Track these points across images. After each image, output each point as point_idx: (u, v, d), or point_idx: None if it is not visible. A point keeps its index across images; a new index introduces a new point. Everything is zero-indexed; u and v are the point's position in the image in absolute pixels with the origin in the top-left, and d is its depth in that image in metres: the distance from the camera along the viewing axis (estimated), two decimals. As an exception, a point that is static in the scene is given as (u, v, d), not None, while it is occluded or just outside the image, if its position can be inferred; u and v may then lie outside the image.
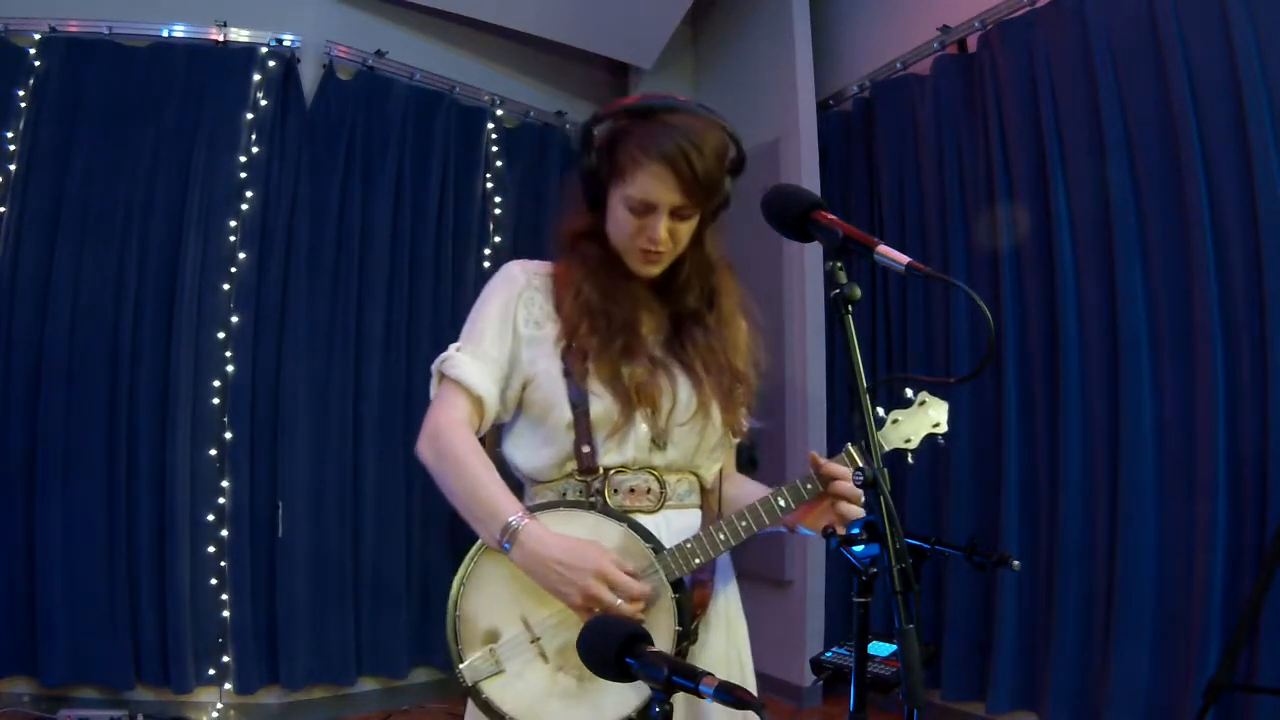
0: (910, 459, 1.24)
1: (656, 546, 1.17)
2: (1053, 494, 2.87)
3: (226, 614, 3.18)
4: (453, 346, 1.27)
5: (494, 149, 4.01)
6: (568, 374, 1.21)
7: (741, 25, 4.25)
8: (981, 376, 3.09)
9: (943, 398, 1.33)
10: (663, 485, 1.25)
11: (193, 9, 3.39)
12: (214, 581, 3.18)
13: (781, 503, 1.19)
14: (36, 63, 3.21)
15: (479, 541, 1.19)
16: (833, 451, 1.24)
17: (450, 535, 3.59)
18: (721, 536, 1.18)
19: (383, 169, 3.62)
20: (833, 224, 1.02)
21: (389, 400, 3.56)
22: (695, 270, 1.30)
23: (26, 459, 3.06)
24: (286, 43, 3.47)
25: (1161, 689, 2.52)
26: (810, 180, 3.73)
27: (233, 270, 3.31)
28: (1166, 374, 2.62)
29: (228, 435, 3.25)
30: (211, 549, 3.19)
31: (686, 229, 1.25)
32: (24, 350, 3.09)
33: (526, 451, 1.26)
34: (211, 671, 3.16)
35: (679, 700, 1.07)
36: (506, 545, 1.13)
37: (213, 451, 3.23)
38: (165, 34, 3.34)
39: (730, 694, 0.80)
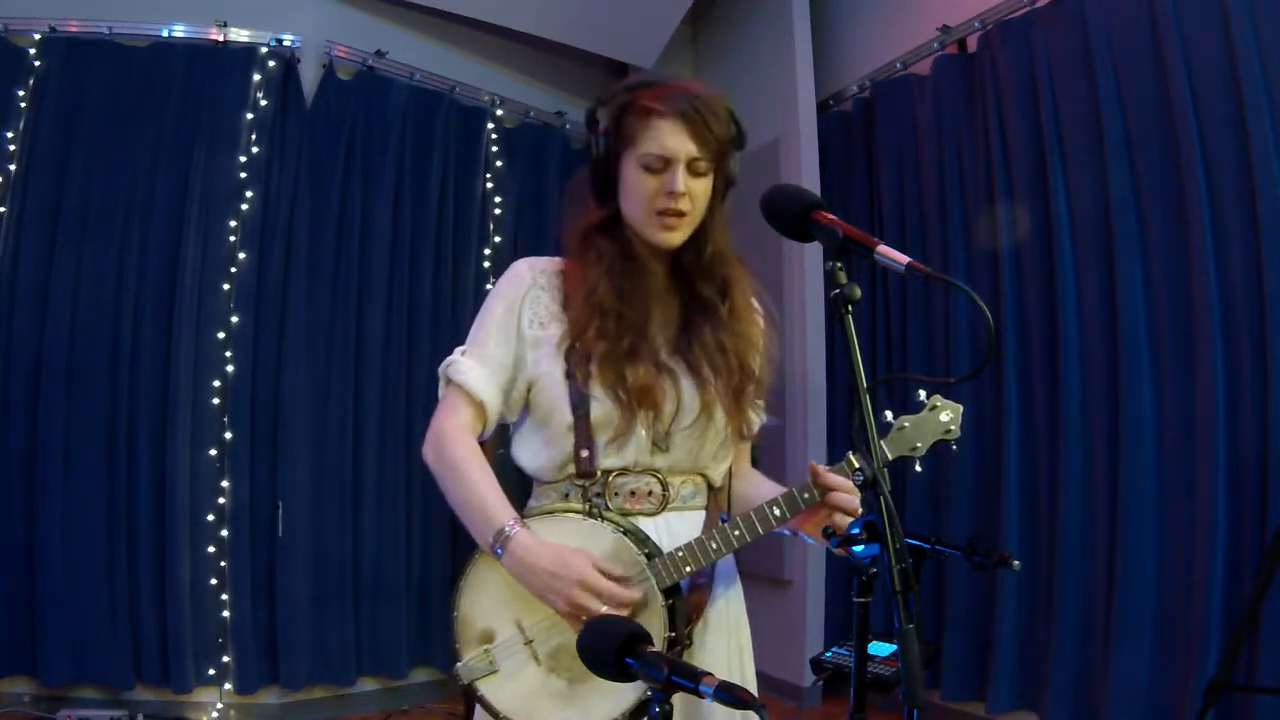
0: (918, 466, 1.22)
1: (651, 552, 1.17)
2: (1053, 494, 2.87)
3: (226, 614, 3.18)
4: (458, 350, 1.28)
5: (494, 149, 4.01)
6: (570, 376, 1.21)
7: (741, 25, 4.25)
8: (981, 376, 3.09)
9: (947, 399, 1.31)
10: (665, 487, 1.24)
11: (193, 9, 3.39)
12: (214, 581, 3.18)
13: (776, 512, 1.19)
14: (36, 63, 3.21)
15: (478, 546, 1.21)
16: (835, 455, 1.24)
17: (450, 535, 3.59)
18: (714, 545, 1.18)
19: (383, 169, 3.62)
20: (833, 224, 1.02)
21: (389, 400, 3.56)
22: (714, 252, 1.27)
23: (26, 459, 3.06)
24: (286, 43, 3.47)
25: (1161, 689, 2.52)
26: (810, 180, 3.73)
27: (233, 270, 3.31)
28: (1166, 374, 2.62)
29: (228, 435, 3.25)
30: (211, 549, 3.19)
31: (703, 189, 1.22)
32: (24, 350, 3.09)
33: (530, 452, 1.27)
34: (211, 671, 3.16)
35: (679, 700, 1.08)
36: (499, 551, 1.16)
37: (213, 451, 3.23)
38: (165, 34, 3.34)
39: (730, 694, 0.80)
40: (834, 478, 1.18)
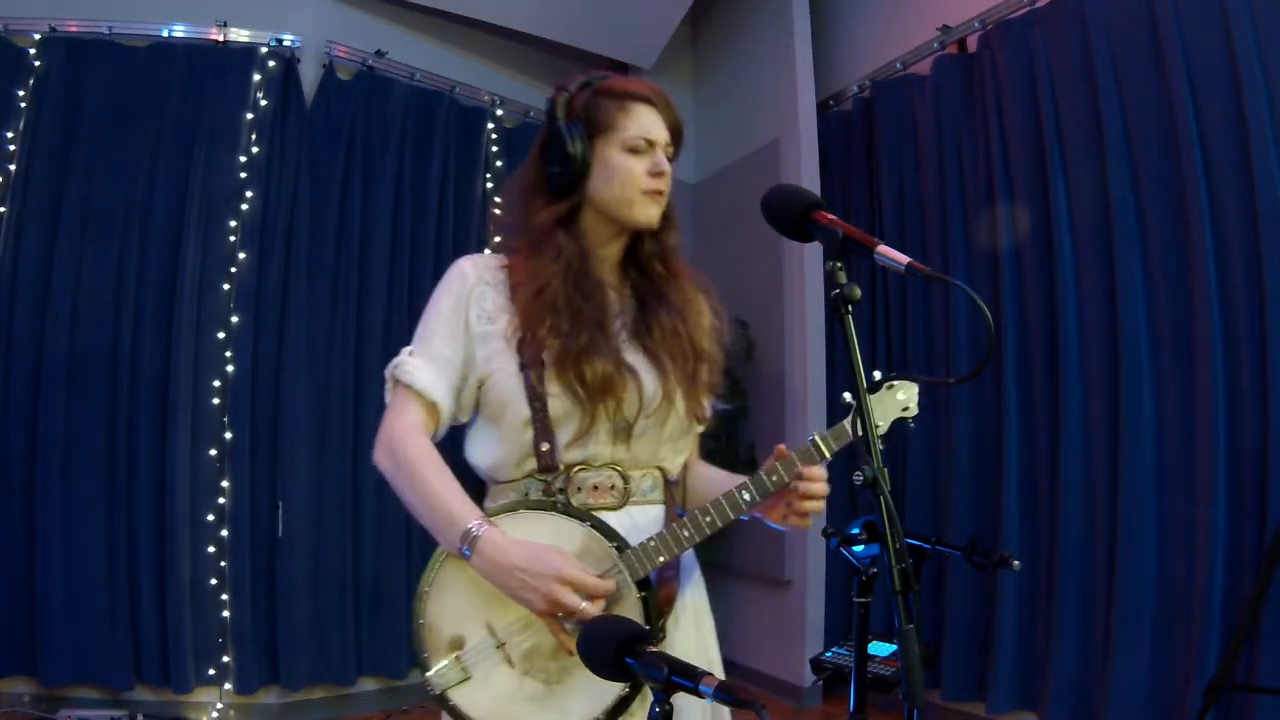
0: (880, 443, 1.21)
1: (620, 545, 1.15)
2: (1053, 494, 2.87)
3: (226, 614, 3.18)
4: (405, 350, 1.24)
5: (494, 149, 4.01)
6: (524, 368, 1.19)
7: (741, 25, 4.26)
8: (981, 376, 3.09)
9: (943, 397, 1.31)
10: (626, 481, 1.23)
11: (193, 9, 3.39)
12: (214, 581, 3.18)
13: (747, 496, 1.17)
14: (36, 63, 3.22)
15: (440, 548, 1.17)
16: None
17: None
18: (686, 533, 1.16)
19: (383, 169, 3.62)
20: (833, 224, 1.01)
21: (389, 400, 3.55)
22: (671, 241, 1.32)
23: (26, 459, 3.06)
24: (286, 43, 3.47)
25: (1161, 689, 2.52)
26: (810, 180, 3.74)
27: (233, 270, 3.31)
28: (1166, 374, 2.62)
29: (228, 435, 3.25)
30: (211, 549, 3.19)
31: (669, 174, 1.27)
32: (24, 350, 3.09)
33: (485, 450, 1.25)
34: (211, 671, 3.16)
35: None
36: (467, 552, 1.12)
37: (213, 451, 3.23)
38: (165, 34, 3.34)
39: (731, 694, 0.80)
40: (811, 468, 1.18)
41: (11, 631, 3.00)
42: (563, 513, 1.17)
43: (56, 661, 2.99)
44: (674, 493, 1.31)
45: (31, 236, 3.14)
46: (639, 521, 1.22)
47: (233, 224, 3.32)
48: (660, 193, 1.25)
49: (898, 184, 3.58)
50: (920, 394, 1.31)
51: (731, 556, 3.90)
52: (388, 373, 1.24)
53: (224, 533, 3.21)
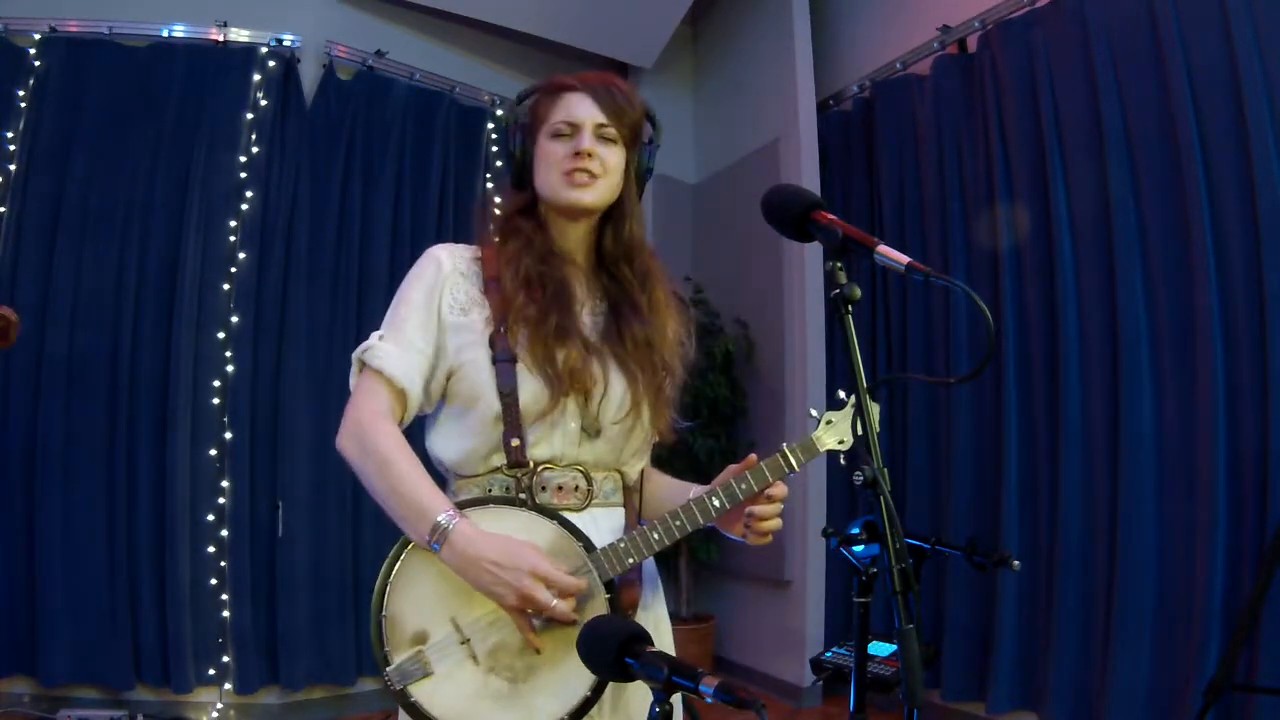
0: (842, 460, 1.21)
1: (588, 545, 1.14)
2: (1053, 494, 2.87)
3: (226, 614, 3.18)
4: (374, 334, 1.22)
5: (494, 149, 4.01)
6: (496, 362, 1.18)
7: (741, 25, 4.25)
8: (981, 376, 3.09)
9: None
10: (590, 482, 1.22)
11: (193, 9, 3.40)
12: (214, 581, 3.18)
13: (716, 503, 1.17)
14: (36, 63, 3.22)
15: (403, 538, 1.15)
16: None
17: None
18: (655, 536, 1.15)
19: (383, 169, 3.62)
20: (833, 224, 1.01)
21: (389, 400, 3.55)
22: (631, 235, 1.30)
23: (26, 459, 3.06)
24: (286, 43, 3.47)
25: (1161, 689, 2.52)
26: (810, 180, 3.74)
27: (233, 270, 3.31)
28: (1166, 374, 2.62)
29: (228, 435, 3.25)
30: (211, 549, 3.19)
31: (615, 158, 1.25)
32: (24, 350, 3.09)
33: (451, 444, 1.22)
34: (211, 671, 3.16)
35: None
36: (436, 545, 1.09)
37: (213, 451, 3.23)
38: (165, 34, 3.34)
39: (731, 694, 0.80)
40: (780, 488, 1.19)
41: (11, 631, 3.00)
42: (532, 510, 1.16)
43: (56, 661, 2.99)
44: (632, 498, 1.31)
45: (31, 236, 3.14)
46: (601, 524, 1.22)
47: (233, 224, 3.32)
48: (585, 171, 1.22)
49: (898, 184, 3.58)
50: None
51: (731, 556, 3.90)
52: (355, 356, 1.22)
53: (224, 533, 3.21)
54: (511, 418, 1.17)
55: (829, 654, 2.27)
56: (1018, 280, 3.06)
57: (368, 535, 3.48)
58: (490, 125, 3.99)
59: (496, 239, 1.30)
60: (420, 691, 1.09)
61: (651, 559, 1.22)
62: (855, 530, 1.13)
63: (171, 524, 3.13)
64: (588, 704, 1.10)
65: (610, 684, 1.12)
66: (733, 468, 1.19)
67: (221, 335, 3.27)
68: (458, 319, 1.22)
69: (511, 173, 1.32)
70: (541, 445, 1.19)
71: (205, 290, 3.27)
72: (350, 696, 3.45)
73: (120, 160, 3.22)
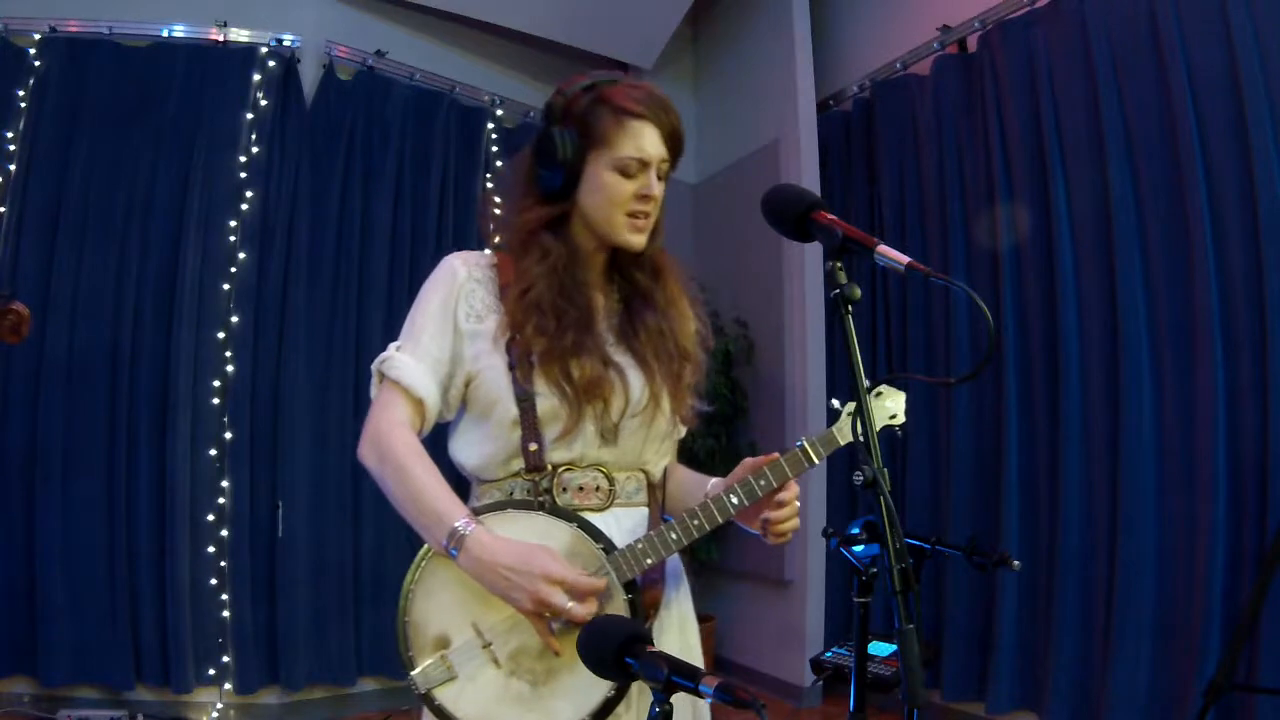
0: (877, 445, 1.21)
1: (607, 547, 1.15)
2: (1053, 494, 2.87)
3: (226, 614, 3.18)
4: (392, 345, 1.23)
5: (494, 149, 4.01)
6: (512, 368, 1.18)
7: (741, 25, 4.26)
8: (981, 376, 3.09)
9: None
10: (612, 482, 1.22)
11: (193, 9, 3.39)
12: (214, 581, 3.18)
13: (735, 500, 1.17)
14: (36, 63, 3.21)
15: (425, 546, 1.16)
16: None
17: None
18: (674, 536, 1.15)
19: (383, 169, 3.62)
20: (833, 224, 1.01)
21: (389, 400, 3.55)
22: (656, 247, 1.31)
23: (26, 459, 3.06)
24: (286, 43, 3.47)
25: (1161, 689, 2.52)
26: (810, 180, 3.74)
27: (233, 270, 3.31)
28: (1166, 374, 2.62)
29: (228, 435, 3.25)
30: (211, 549, 3.19)
31: (662, 191, 1.25)
32: (24, 350, 3.08)
33: (472, 449, 1.23)
34: (211, 671, 3.16)
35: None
36: (454, 551, 1.11)
37: (213, 451, 3.23)
38: (165, 34, 3.34)
39: (731, 694, 0.80)
40: (792, 488, 1.19)
41: (11, 631, 2.99)
42: (550, 513, 1.17)
43: (56, 661, 2.98)
44: (657, 496, 1.31)
45: (31, 236, 3.14)
46: (624, 524, 1.22)
47: (233, 224, 3.32)
48: (646, 215, 1.23)
49: (898, 184, 3.58)
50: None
51: (731, 556, 3.90)
52: (374, 367, 1.23)
53: (224, 533, 3.21)
54: (529, 422, 1.18)
55: (829, 654, 2.27)
56: (1018, 280, 3.06)
57: (368, 535, 3.48)
58: (490, 125, 3.99)
59: (515, 249, 1.27)
60: (445, 695, 1.11)
61: (676, 555, 1.22)
62: (855, 530, 1.13)
63: (171, 524, 3.12)
64: (610, 704, 1.10)
65: (636, 683, 1.13)
66: (749, 461, 1.20)
67: (221, 335, 3.27)
68: (474, 326, 1.23)
69: (546, 178, 1.24)
70: (560, 448, 1.19)
71: (205, 290, 3.27)
72: (350, 696, 3.45)
73: (120, 160, 3.22)
